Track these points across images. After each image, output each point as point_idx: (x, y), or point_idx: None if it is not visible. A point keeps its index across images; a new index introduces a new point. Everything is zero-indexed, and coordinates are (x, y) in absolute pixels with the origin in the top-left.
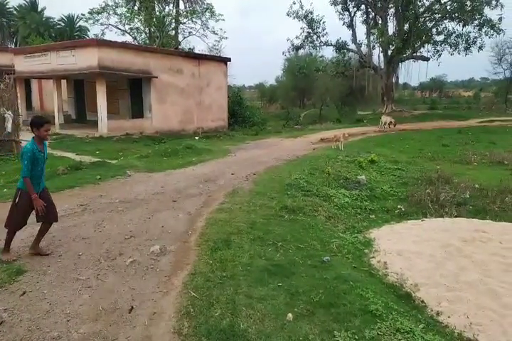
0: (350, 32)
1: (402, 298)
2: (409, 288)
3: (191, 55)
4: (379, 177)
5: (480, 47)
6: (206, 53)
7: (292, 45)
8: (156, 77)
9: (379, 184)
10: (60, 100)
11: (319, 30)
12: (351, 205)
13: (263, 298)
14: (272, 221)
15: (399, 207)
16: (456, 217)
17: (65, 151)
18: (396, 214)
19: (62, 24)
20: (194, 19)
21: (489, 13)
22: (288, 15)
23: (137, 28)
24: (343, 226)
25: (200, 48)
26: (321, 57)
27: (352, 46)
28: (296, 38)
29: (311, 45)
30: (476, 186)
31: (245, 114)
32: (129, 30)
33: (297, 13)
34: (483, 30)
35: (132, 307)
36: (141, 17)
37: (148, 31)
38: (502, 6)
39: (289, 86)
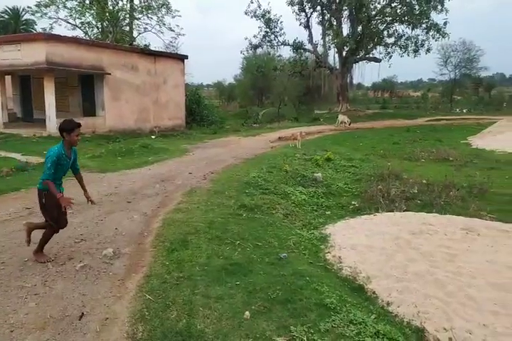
0: (307, 32)
1: (356, 291)
2: (362, 280)
3: (147, 52)
4: (335, 175)
5: (427, 50)
6: (162, 50)
7: (250, 44)
8: (110, 74)
9: (335, 181)
10: (3, 97)
11: (277, 29)
12: (308, 202)
13: (220, 298)
14: (230, 220)
15: (353, 202)
16: (405, 211)
17: (9, 152)
18: (351, 210)
19: (6, 17)
20: (149, 15)
21: (435, 17)
22: (246, 13)
23: (89, 23)
24: (300, 223)
25: (156, 45)
26: (278, 56)
27: (308, 46)
28: (254, 37)
29: (268, 44)
30: (424, 181)
31: (203, 113)
32: (80, 25)
33: (255, 12)
34: (430, 34)
35: (83, 313)
36: (92, 11)
37: (100, 26)
38: (447, 10)
39: (248, 85)
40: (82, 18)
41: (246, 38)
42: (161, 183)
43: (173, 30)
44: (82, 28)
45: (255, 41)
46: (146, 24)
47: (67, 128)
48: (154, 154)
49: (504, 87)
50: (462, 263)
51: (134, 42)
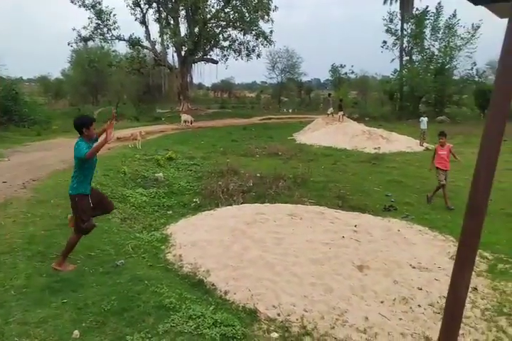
0: (144, 29)
1: (196, 286)
2: (202, 274)
3: None
4: (176, 174)
5: (258, 55)
6: None
7: (79, 35)
8: None
9: (176, 180)
10: None
11: (110, 22)
12: (149, 204)
13: (43, 321)
14: (57, 231)
15: (194, 200)
16: (242, 203)
17: None
18: (192, 208)
19: None
20: None
21: (264, 26)
22: (73, 2)
23: None
24: (140, 226)
25: None
26: (113, 51)
27: (146, 43)
28: (84, 28)
29: (101, 37)
30: (258, 175)
31: (23, 112)
32: None
33: (83, 2)
34: (259, 40)
35: None
36: None
37: None
38: (272, 21)
39: (79, 80)
40: None
41: (74, 29)
42: None
43: None
44: None
45: (85, 33)
46: None
47: (88, 122)
48: None
49: (320, 90)
50: (288, 245)
51: None
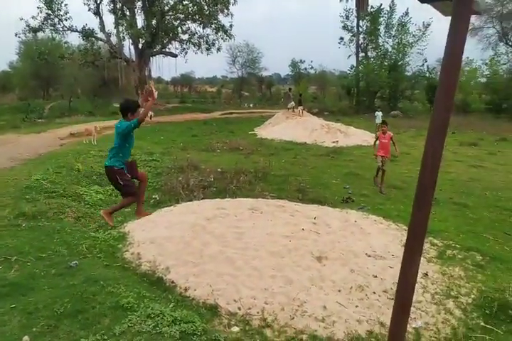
0: (98, 20)
1: (155, 284)
2: (161, 272)
3: None
4: None
5: (218, 49)
6: None
7: (28, 26)
8: None
9: None
10: None
11: (61, 12)
12: (105, 201)
13: None
14: (4, 232)
15: (154, 196)
16: (203, 199)
17: None
18: (152, 204)
19: None
20: None
21: (223, 19)
22: None
23: None
24: (95, 225)
25: None
26: (65, 43)
27: (101, 35)
28: (33, 18)
29: (52, 28)
30: (219, 170)
31: None
32: None
33: None
34: (219, 34)
35: None
36: None
37: None
38: (232, 14)
39: (28, 73)
40: None
41: (22, 19)
42: None
43: None
44: None
45: (34, 23)
46: None
47: (133, 108)
48: None
49: (281, 85)
50: (249, 239)
51: None
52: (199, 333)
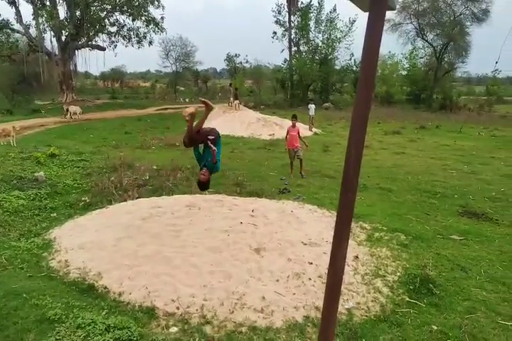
0: (14, 10)
1: (85, 292)
2: (92, 278)
3: None
4: (61, 172)
5: (150, 42)
6: None
7: None
8: None
9: (61, 178)
10: None
11: None
12: (28, 207)
13: None
14: None
15: (83, 199)
16: (138, 198)
17: None
18: (81, 207)
19: None
20: None
21: (154, 12)
22: None
23: None
24: (16, 233)
25: None
26: None
27: (18, 27)
28: None
29: None
30: (154, 167)
31: None
32: None
33: None
34: (150, 27)
35: None
36: None
37: None
38: (163, 7)
39: None
40: None
41: None
42: None
43: None
44: None
45: None
46: None
47: None
48: None
49: (217, 79)
50: (186, 237)
51: None
52: (135, 338)
